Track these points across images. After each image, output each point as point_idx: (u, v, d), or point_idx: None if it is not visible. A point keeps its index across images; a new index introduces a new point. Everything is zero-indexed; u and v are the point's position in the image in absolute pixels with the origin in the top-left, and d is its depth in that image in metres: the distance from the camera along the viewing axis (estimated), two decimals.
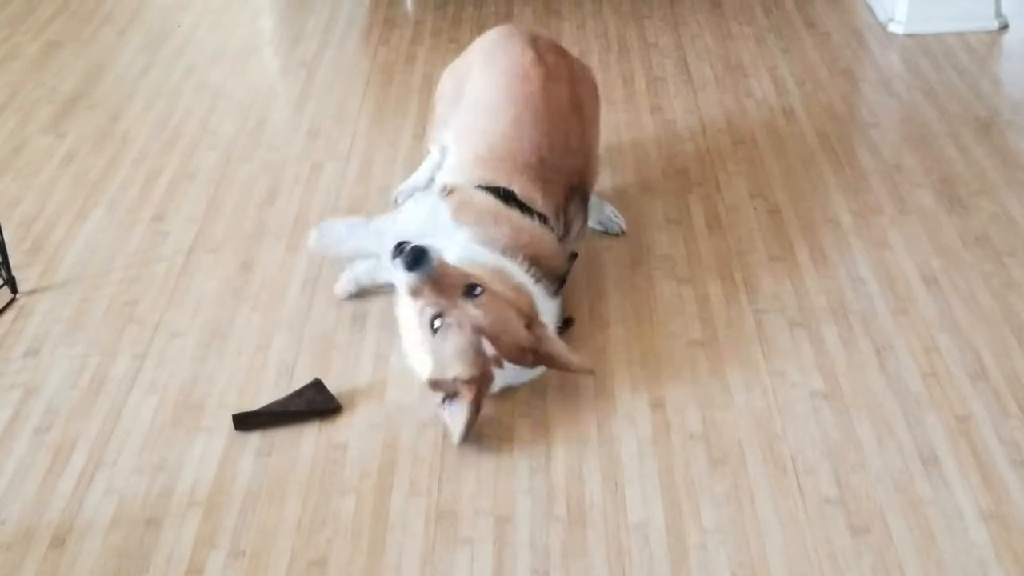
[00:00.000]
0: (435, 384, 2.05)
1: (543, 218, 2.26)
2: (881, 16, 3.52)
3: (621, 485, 1.94)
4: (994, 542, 1.81)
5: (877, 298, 2.34)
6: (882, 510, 1.87)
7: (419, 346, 2.07)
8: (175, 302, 2.43)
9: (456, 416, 2.01)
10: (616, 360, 2.21)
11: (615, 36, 3.49)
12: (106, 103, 3.25)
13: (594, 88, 2.57)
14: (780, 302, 2.35)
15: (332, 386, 2.16)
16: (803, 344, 2.23)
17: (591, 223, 2.50)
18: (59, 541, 1.88)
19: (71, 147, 3.03)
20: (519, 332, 2.04)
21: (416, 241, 2.04)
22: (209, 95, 3.27)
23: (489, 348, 2.02)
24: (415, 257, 2.01)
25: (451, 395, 2.03)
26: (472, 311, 2.01)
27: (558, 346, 2.08)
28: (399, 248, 2.03)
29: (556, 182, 2.31)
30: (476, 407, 2.01)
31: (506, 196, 2.26)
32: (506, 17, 3.67)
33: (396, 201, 2.62)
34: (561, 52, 2.54)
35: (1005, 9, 3.46)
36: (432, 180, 2.49)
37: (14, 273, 2.47)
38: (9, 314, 2.41)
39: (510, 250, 2.17)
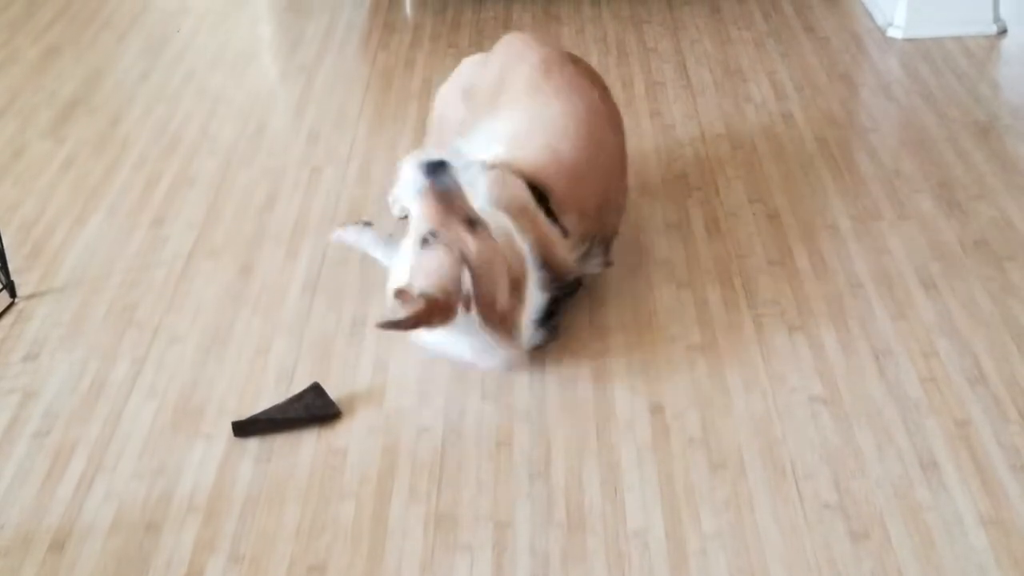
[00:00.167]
0: (399, 294, 2.03)
1: (564, 232, 2.24)
2: (880, 21, 3.52)
3: (621, 490, 1.94)
4: (994, 547, 1.81)
5: (876, 303, 2.35)
6: (882, 515, 1.87)
7: (405, 258, 2.08)
8: (175, 307, 2.43)
9: (397, 311, 1.98)
10: (615, 364, 2.21)
11: (614, 41, 3.49)
12: (106, 108, 3.25)
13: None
14: (779, 307, 2.35)
15: (331, 391, 2.16)
16: (802, 349, 2.23)
17: None
18: (58, 546, 1.88)
19: (71, 152, 3.03)
20: (501, 285, 2.03)
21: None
22: (209, 100, 3.27)
23: (467, 282, 2.01)
24: (435, 167, 2.03)
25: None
26: (467, 240, 2.01)
27: (524, 325, 2.10)
28: (424, 160, 2.07)
29: (591, 221, 2.28)
30: (415, 319, 1.96)
31: (541, 197, 2.23)
32: (505, 22, 3.67)
33: (392, 207, 2.62)
34: (605, 87, 2.52)
35: (1004, 14, 3.47)
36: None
37: (13, 277, 2.47)
38: (8, 318, 2.41)
39: (524, 235, 2.15)
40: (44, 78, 3.43)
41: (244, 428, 2.08)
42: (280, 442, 2.07)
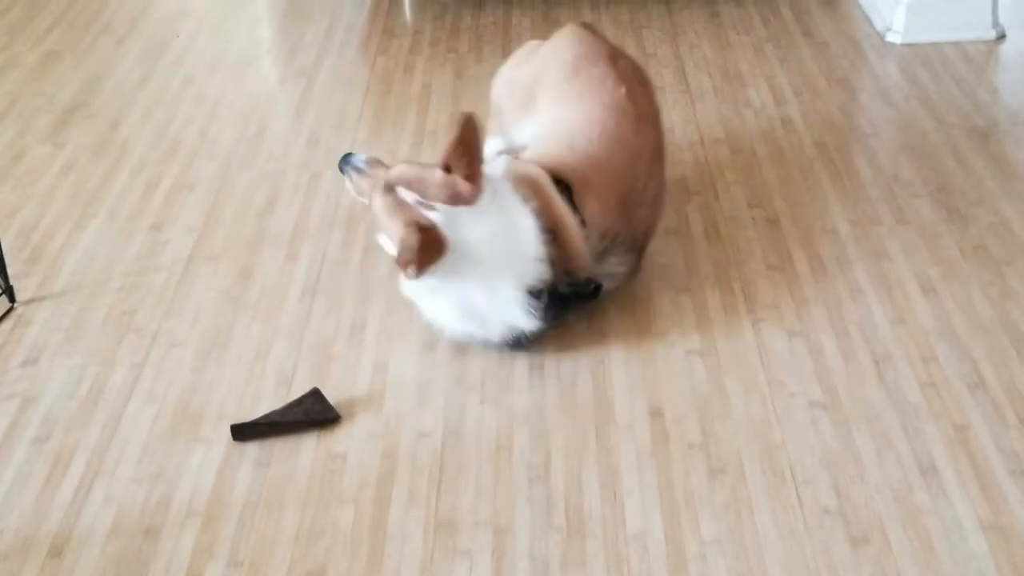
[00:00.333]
0: (400, 260, 2.09)
1: (583, 223, 2.21)
2: (879, 26, 3.53)
3: (620, 495, 1.94)
4: (993, 552, 1.81)
5: (875, 307, 2.35)
6: (881, 520, 1.87)
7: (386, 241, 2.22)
8: (174, 311, 2.43)
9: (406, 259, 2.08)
10: (615, 369, 2.21)
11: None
12: (105, 112, 3.25)
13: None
14: (778, 311, 2.35)
15: (331, 395, 2.16)
16: (802, 354, 2.23)
17: None
18: (57, 551, 1.88)
19: (70, 156, 3.03)
20: (432, 173, 2.15)
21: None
22: (208, 104, 3.28)
23: (407, 195, 2.15)
24: (343, 159, 2.30)
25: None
26: (380, 174, 2.22)
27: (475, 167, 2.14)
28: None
29: (613, 218, 2.25)
30: (419, 252, 2.05)
31: (565, 188, 2.23)
32: (505, 27, 3.67)
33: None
34: (645, 83, 2.50)
35: (1002, 19, 3.47)
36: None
37: (12, 282, 2.47)
38: (7, 323, 2.41)
39: (528, 201, 2.16)
40: (43, 83, 3.43)
41: (243, 432, 2.08)
42: (279, 446, 2.07)
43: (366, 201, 2.27)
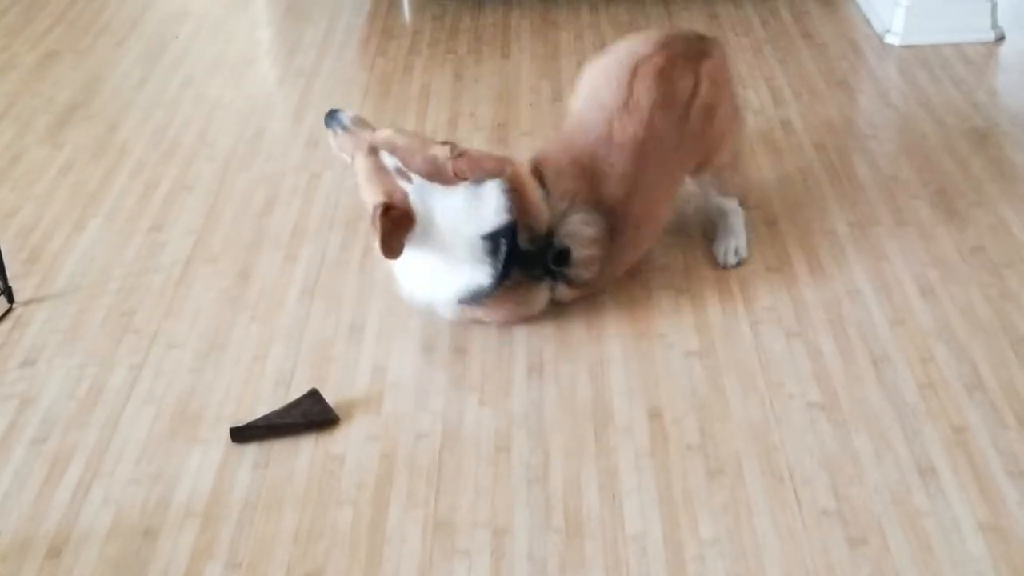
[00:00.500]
0: (372, 231, 2.16)
1: (544, 188, 2.29)
2: (878, 27, 3.53)
3: (619, 496, 1.94)
4: (992, 553, 1.81)
5: (874, 309, 2.35)
6: (879, 521, 1.87)
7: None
8: (173, 312, 2.43)
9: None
10: (614, 370, 2.21)
11: None
12: (104, 113, 3.25)
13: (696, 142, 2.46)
14: (777, 313, 2.35)
15: (329, 397, 2.16)
16: (800, 355, 2.23)
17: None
18: (56, 552, 1.88)
19: (69, 157, 3.03)
20: (422, 144, 2.21)
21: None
22: (207, 105, 3.28)
23: (388, 160, 2.20)
24: (329, 115, 2.33)
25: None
26: (364, 135, 2.26)
27: (473, 152, 2.20)
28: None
29: (569, 180, 2.31)
30: (384, 227, 2.12)
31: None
32: (504, 28, 3.67)
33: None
34: (671, 78, 2.44)
35: (1001, 21, 3.47)
36: None
37: (11, 283, 2.47)
38: (6, 324, 2.41)
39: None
40: (42, 83, 3.43)
41: (242, 434, 2.08)
42: (278, 448, 2.07)
43: (347, 159, 2.32)
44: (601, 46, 3.50)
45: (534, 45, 3.55)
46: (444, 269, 2.24)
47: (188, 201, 2.81)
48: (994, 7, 3.44)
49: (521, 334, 2.32)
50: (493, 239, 2.20)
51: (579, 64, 3.35)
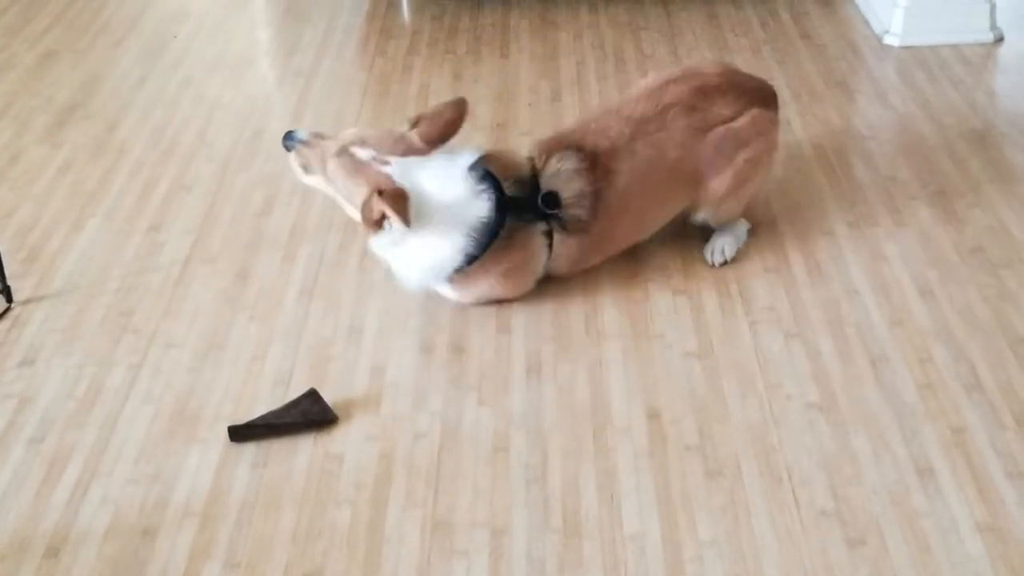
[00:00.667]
0: (364, 219, 2.23)
1: (530, 160, 2.38)
2: (877, 28, 3.53)
3: (617, 497, 1.94)
4: (990, 554, 1.81)
5: (872, 309, 2.35)
6: (878, 522, 1.87)
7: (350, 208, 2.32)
8: (171, 312, 2.43)
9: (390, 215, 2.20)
10: (612, 370, 2.21)
11: (611, 48, 3.50)
12: (103, 113, 3.25)
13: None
14: (776, 313, 2.35)
15: (328, 397, 2.16)
16: (799, 355, 2.23)
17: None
18: (54, 552, 1.88)
19: (67, 157, 3.03)
20: (387, 130, 2.34)
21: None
22: (206, 105, 3.28)
23: (361, 152, 2.29)
24: (285, 137, 2.40)
25: (380, 219, 2.23)
26: (327, 144, 2.34)
27: (428, 111, 2.37)
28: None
29: (553, 138, 2.42)
30: (393, 200, 2.19)
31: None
32: (503, 28, 3.67)
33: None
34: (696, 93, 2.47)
35: (1000, 22, 3.47)
36: None
37: (10, 283, 2.47)
38: (4, 324, 2.41)
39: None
40: (41, 83, 3.43)
41: (240, 433, 2.08)
42: (276, 447, 2.07)
43: (313, 176, 2.37)
44: (600, 46, 3.51)
45: (533, 45, 3.55)
46: (442, 236, 2.27)
47: (187, 201, 2.81)
48: (993, 8, 3.44)
49: (520, 334, 2.32)
50: (478, 172, 2.28)
51: (578, 64, 3.37)
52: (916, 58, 3.36)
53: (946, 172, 2.80)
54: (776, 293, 2.41)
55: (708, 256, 2.51)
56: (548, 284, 2.43)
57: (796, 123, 3.04)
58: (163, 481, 2.00)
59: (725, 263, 2.48)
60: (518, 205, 2.30)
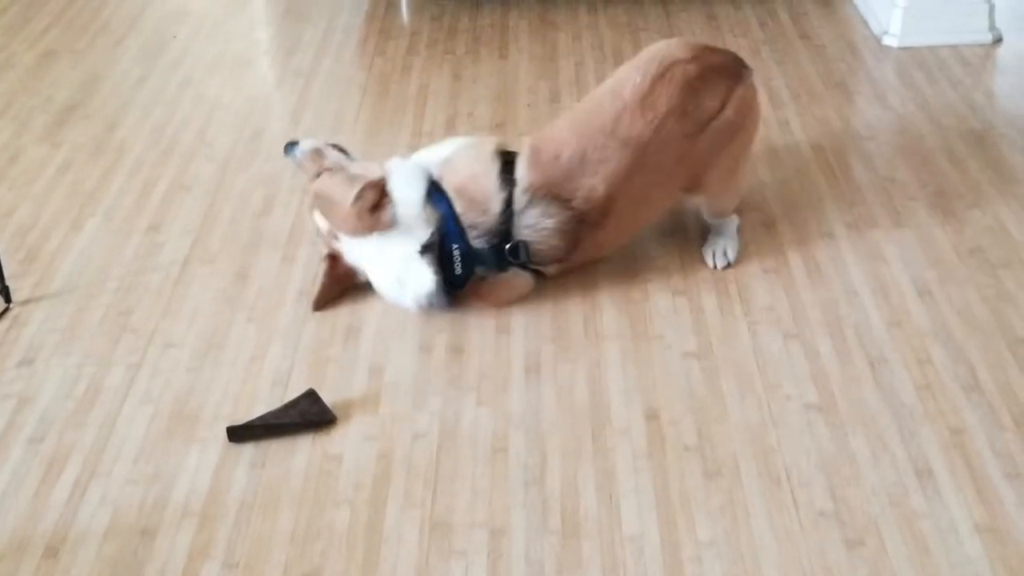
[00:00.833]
0: (358, 199, 2.31)
1: (511, 185, 2.32)
2: (875, 29, 3.53)
3: (616, 497, 1.94)
4: (989, 555, 1.81)
5: (871, 310, 2.35)
6: (876, 523, 1.87)
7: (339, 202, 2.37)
8: (170, 312, 2.43)
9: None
10: (611, 371, 2.21)
11: (611, 48, 3.50)
12: (102, 113, 3.25)
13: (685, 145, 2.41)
14: (774, 314, 2.35)
15: (327, 397, 2.16)
16: (797, 356, 2.24)
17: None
18: (53, 552, 1.88)
19: (67, 157, 3.03)
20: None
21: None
22: (206, 105, 3.28)
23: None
24: (287, 147, 2.49)
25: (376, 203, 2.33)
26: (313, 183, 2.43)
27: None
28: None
29: (537, 172, 2.34)
30: (371, 189, 2.30)
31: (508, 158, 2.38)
32: (502, 29, 3.67)
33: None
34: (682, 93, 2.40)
35: (999, 22, 3.48)
36: None
37: (9, 283, 2.47)
38: (4, 323, 2.41)
39: (445, 175, 2.36)
40: (40, 83, 3.43)
41: (239, 434, 2.08)
42: (275, 448, 2.07)
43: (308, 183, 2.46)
44: (599, 47, 3.51)
45: (532, 45, 3.55)
46: (406, 282, 2.33)
47: (186, 201, 2.81)
48: (992, 8, 3.44)
49: (519, 334, 2.32)
50: (434, 248, 2.29)
51: (577, 65, 3.37)
52: (915, 59, 3.36)
53: (945, 173, 2.81)
54: (775, 294, 2.41)
55: (709, 259, 2.50)
56: (547, 284, 2.43)
57: (795, 123, 3.04)
58: (162, 481, 2.00)
59: (728, 265, 2.48)
60: (484, 257, 2.32)
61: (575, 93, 3.24)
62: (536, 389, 2.18)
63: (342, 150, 2.52)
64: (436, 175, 2.36)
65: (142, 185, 2.89)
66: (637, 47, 3.49)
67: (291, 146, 2.48)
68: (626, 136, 2.34)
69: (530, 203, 2.31)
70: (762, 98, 3.17)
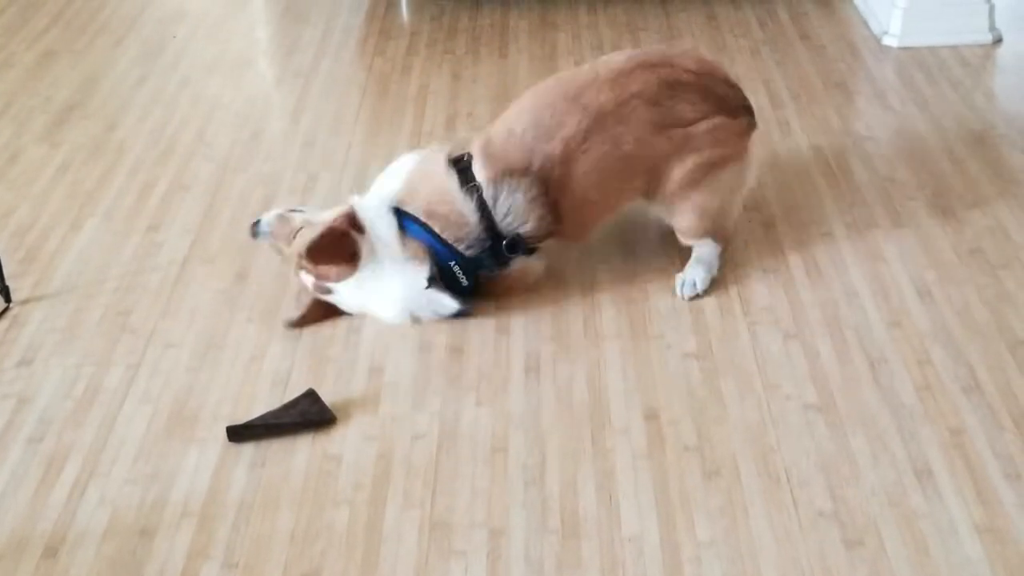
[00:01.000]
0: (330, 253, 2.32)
1: (476, 189, 2.31)
2: (875, 29, 3.53)
3: (615, 497, 1.94)
4: (988, 555, 1.81)
5: (871, 311, 2.35)
6: (876, 523, 1.87)
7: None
8: (170, 312, 2.43)
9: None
10: (611, 371, 2.21)
11: (610, 48, 3.50)
12: (101, 113, 3.25)
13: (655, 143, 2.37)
14: (774, 314, 2.35)
15: (326, 397, 2.16)
16: (797, 356, 2.24)
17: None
18: (52, 552, 1.88)
19: (66, 157, 3.03)
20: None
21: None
22: (205, 105, 3.27)
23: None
24: (252, 227, 2.46)
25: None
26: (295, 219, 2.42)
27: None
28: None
29: (494, 162, 2.32)
30: (339, 224, 2.31)
31: (463, 163, 2.35)
32: (502, 29, 3.67)
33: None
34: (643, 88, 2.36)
35: (999, 23, 3.48)
36: None
37: (8, 283, 2.47)
38: (3, 323, 2.41)
39: (409, 202, 2.35)
40: (39, 83, 3.43)
41: (239, 434, 2.08)
42: (275, 448, 2.07)
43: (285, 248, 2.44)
44: (599, 47, 3.51)
45: (532, 46, 3.55)
46: (422, 311, 2.36)
47: (186, 201, 2.81)
48: (992, 9, 3.44)
49: (519, 334, 2.32)
50: (436, 276, 2.31)
51: (577, 64, 3.36)
52: (915, 59, 3.36)
53: (945, 173, 2.81)
54: (775, 294, 2.41)
55: (679, 289, 2.40)
56: (547, 285, 2.43)
57: (795, 124, 3.04)
58: (161, 481, 2.00)
59: (697, 296, 2.40)
60: (483, 261, 2.33)
61: None
62: (536, 389, 2.18)
63: (301, 211, 2.48)
64: (400, 205, 2.34)
65: (141, 185, 2.89)
66: (636, 47, 3.49)
67: (255, 225, 2.44)
68: (587, 102, 2.33)
69: (496, 193, 2.31)
70: (760, 98, 3.18)
